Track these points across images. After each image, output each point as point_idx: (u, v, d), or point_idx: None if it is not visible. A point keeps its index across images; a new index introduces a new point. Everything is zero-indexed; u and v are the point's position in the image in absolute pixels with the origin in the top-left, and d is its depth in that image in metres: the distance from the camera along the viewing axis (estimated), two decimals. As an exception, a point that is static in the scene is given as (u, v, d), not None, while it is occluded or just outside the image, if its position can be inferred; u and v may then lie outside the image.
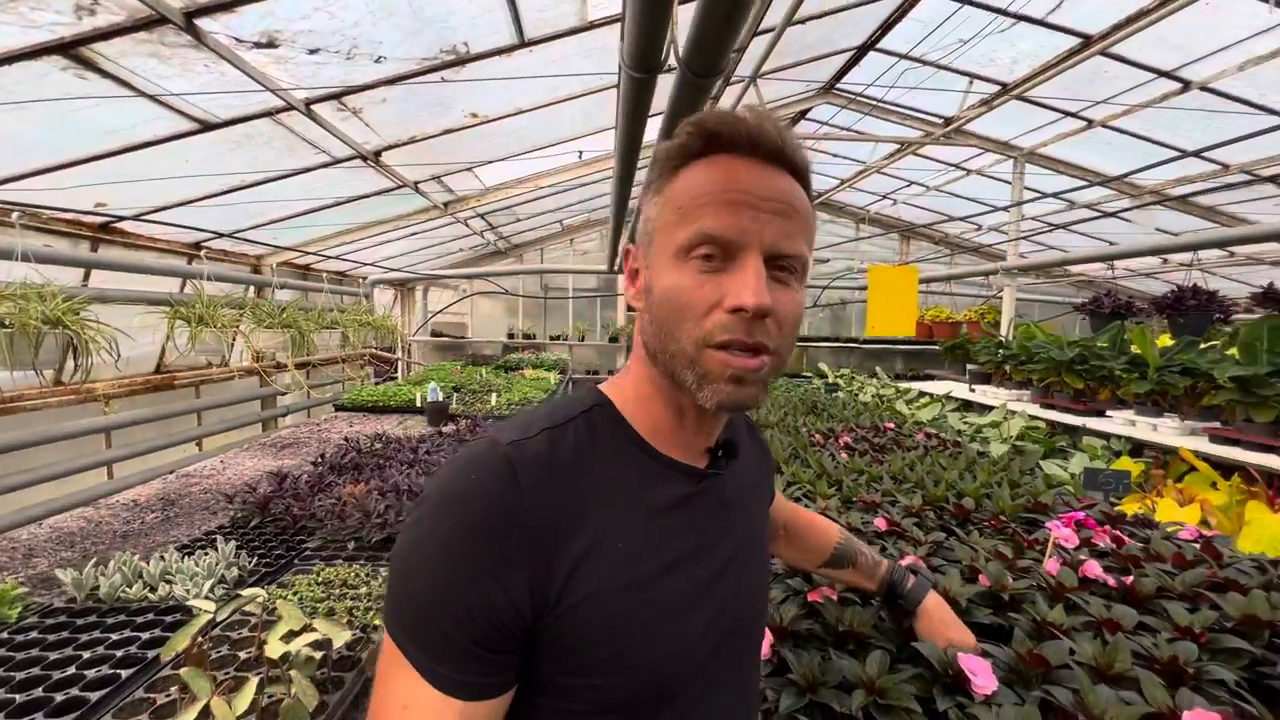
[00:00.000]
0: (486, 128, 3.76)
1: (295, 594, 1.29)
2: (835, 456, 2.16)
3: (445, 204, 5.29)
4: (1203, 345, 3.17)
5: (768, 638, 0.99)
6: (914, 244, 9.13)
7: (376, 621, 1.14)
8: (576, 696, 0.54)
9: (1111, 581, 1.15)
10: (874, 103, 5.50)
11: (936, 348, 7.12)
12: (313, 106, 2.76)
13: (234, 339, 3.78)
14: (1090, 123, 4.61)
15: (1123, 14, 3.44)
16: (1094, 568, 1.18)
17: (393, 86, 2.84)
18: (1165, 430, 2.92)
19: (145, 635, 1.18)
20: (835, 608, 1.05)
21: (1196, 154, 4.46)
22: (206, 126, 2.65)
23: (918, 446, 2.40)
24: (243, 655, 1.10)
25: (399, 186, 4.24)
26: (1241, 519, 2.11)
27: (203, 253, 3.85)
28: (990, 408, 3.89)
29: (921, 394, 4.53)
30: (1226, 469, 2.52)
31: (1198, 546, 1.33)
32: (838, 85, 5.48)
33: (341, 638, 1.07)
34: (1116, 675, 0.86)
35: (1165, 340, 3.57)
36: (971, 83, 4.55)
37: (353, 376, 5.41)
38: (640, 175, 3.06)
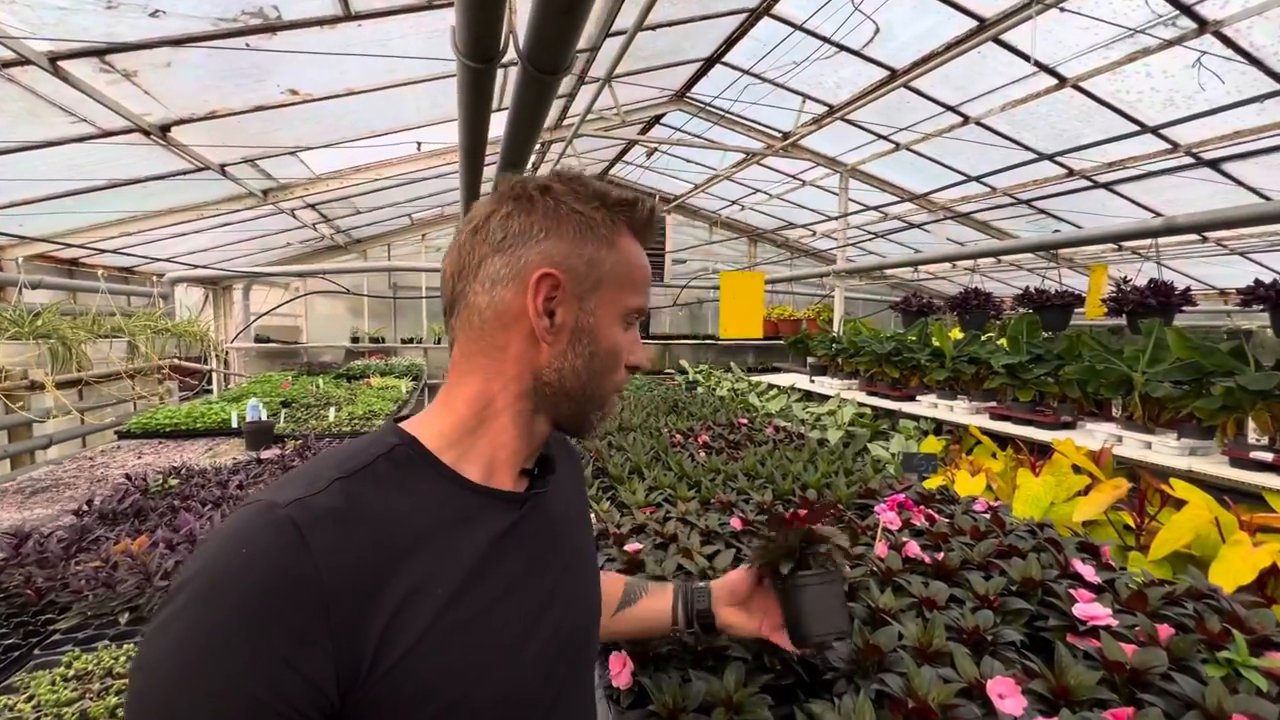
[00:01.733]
0: (310, 108, 3.31)
1: (30, 699, 0.99)
2: (695, 456, 2.22)
3: (265, 192, 4.59)
4: (983, 338, 3.79)
5: (628, 664, 0.96)
6: (760, 246, 9.88)
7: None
8: None
9: (927, 559, 1.29)
10: (721, 113, 5.83)
11: (782, 342, 7.80)
12: (61, 63, 2.20)
13: (-44, 355, 2.92)
14: (897, 146, 5.31)
15: (919, 53, 4.00)
16: (913, 548, 1.31)
17: (179, 48, 2.36)
18: (959, 411, 3.44)
19: None
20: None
21: (976, 178, 5.35)
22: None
23: (768, 441, 2.56)
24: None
25: (200, 169, 3.59)
26: (1014, 483, 2.55)
27: (-101, 243, 2.93)
28: (827, 397, 4.31)
29: (771, 386, 4.88)
30: (1003, 441, 3.03)
31: (988, 518, 1.55)
32: (689, 94, 5.71)
33: (93, 754, 0.83)
34: (935, 653, 0.95)
35: (957, 333, 4.23)
36: (804, 102, 5.00)
37: (145, 395, 4.49)
38: (490, 171, 2.88)
